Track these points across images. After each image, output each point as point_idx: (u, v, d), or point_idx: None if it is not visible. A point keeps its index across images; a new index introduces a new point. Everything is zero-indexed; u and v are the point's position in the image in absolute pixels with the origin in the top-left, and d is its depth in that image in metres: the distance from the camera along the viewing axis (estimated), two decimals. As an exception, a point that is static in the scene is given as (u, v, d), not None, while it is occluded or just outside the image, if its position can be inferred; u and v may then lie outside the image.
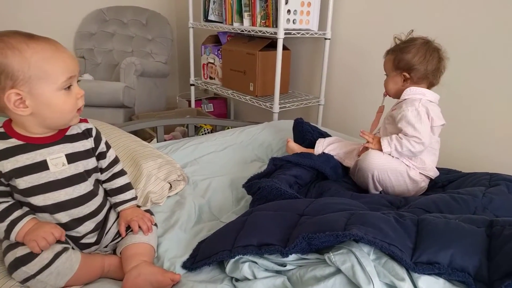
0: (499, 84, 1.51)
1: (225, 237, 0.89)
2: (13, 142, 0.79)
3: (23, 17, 2.79)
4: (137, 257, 0.86)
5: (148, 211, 1.02)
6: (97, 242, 0.91)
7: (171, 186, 1.23)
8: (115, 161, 0.97)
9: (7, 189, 0.81)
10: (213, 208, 1.18)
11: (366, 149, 1.25)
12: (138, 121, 1.72)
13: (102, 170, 0.94)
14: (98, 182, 0.93)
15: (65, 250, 0.80)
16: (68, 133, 0.86)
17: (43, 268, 0.76)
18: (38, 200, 0.81)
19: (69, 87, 0.79)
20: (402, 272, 0.69)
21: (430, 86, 1.24)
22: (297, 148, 1.46)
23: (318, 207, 0.89)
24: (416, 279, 0.69)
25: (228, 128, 1.88)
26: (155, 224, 0.99)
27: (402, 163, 1.20)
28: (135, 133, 2.53)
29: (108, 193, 0.97)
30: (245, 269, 0.81)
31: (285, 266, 0.80)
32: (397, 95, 1.26)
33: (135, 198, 0.99)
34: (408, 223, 0.79)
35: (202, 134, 2.27)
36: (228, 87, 2.46)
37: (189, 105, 2.88)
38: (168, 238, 1.00)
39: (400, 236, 0.75)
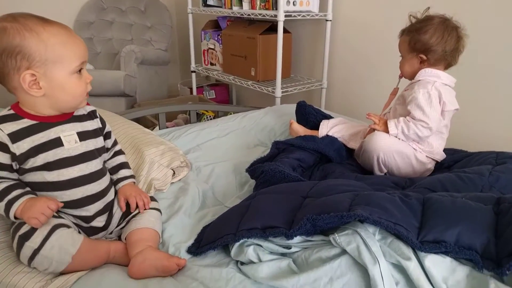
0: (508, 61, 1.48)
1: (229, 221, 0.88)
2: (26, 122, 0.81)
3: (21, 6, 2.75)
4: (142, 242, 0.86)
5: (151, 198, 1.02)
6: (105, 227, 0.92)
7: (174, 173, 1.23)
8: (116, 141, 1.03)
9: (13, 176, 0.82)
10: (217, 193, 1.17)
11: (372, 131, 1.23)
12: (139, 109, 1.71)
13: (107, 150, 0.98)
14: (105, 163, 0.96)
15: (65, 225, 0.81)
16: (75, 114, 0.89)
17: (44, 239, 0.76)
18: (53, 175, 0.83)
19: (80, 72, 0.82)
20: (408, 251, 0.68)
21: (447, 66, 1.19)
22: (301, 129, 1.44)
23: (322, 189, 0.88)
24: (422, 258, 0.68)
25: (231, 114, 1.87)
26: (159, 210, 0.99)
27: (409, 145, 1.18)
28: (138, 121, 2.52)
29: (110, 172, 0.99)
30: (250, 252, 0.80)
31: (290, 248, 0.79)
32: (414, 76, 1.21)
33: (133, 176, 1.03)
34: (414, 202, 0.78)
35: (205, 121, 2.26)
36: (229, 73, 2.43)
37: (191, 92, 2.86)
38: (173, 223, 1.00)
39: (405, 215, 0.74)
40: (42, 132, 0.81)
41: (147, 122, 2.38)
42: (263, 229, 0.81)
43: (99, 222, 0.91)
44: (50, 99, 0.80)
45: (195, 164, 1.32)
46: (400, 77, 1.29)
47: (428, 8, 1.20)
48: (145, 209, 0.96)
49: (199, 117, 2.43)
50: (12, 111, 0.82)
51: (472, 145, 1.37)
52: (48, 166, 0.82)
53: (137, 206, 0.95)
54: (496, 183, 0.97)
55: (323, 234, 0.78)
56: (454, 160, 1.24)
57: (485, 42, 1.52)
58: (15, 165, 0.81)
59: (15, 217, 0.79)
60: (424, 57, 1.17)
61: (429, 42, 1.14)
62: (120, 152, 1.02)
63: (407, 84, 1.27)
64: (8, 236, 0.85)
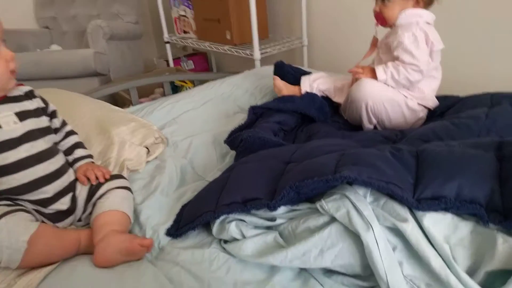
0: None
1: (208, 198, 0.81)
2: None
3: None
4: (105, 227, 0.79)
5: (119, 175, 0.94)
6: (71, 210, 0.85)
7: (149, 151, 1.14)
8: (64, 122, 0.97)
9: None
10: (196, 168, 1.09)
11: (356, 81, 1.13)
12: (106, 86, 1.58)
13: (56, 130, 0.92)
14: (55, 144, 0.90)
15: (20, 211, 0.75)
16: (9, 95, 0.82)
17: None
18: None
19: None
20: (404, 212, 0.61)
21: (430, 4, 1.10)
22: (283, 85, 1.34)
23: (306, 152, 0.80)
24: (420, 218, 0.61)
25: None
26: (128, 188, 0.92)
27: (399, 92, 1.10)
28: (114, 101, 2.41)
29: (64, 153, 0.93)
30: (232, 229, 0.73)
31: (275, 220, 0.72)
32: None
33: (91, 156, 0.97)
34: (407, 156, 0.70)
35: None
36: (204, 39, 2.29)
37: (168, 65, 2.72)
38: (149, 205, 0.92)
39: (398, 172, 0.66)
40: None
41: (124, 101, 2.26)
42: (244, 202, 0.73)
43: (62, 204, 0.84)
44: None
45: (172, 139, 1.22)
46: (377, 25, 1.18)
47: None
48: (105, 179, 0.90)
49: (178, 90, 2.31)
50: None
51: (463, 89, 1.29)
52: None
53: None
54: (494, 126, 0.90)
55: (310, 201, 0.71)
56: (446, 106, 1.15)
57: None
58: None
59: None
60: None
61: None
62: (72, 133, 0.97)
63: (387, 31, 1.17)
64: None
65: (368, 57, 1.23)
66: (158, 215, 0.89)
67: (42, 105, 0.89)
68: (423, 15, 1.07)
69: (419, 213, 0.61)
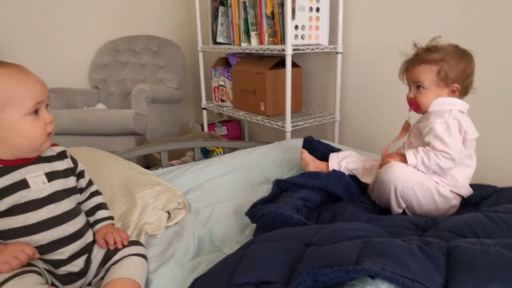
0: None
1: (220, 274, 0.77)
2: None
3: (44, 52, 2.83)
4: None
5: (136, 242, 0.92)
6: (82, 273, 0.83)
7: (170, 216, 1.13)
8: (91, 181, 0.97)
9: None
10: (215, 238, 1.06)
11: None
12: (139, 147, 1.63)
13: (81, 190, 0.92)
14: (79, 204, 0.90)
15: (32, 272, 0.74)
16: (42, 155, 0.84)
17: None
18: (18, 221, 0.77)
19: (36, 113, 0.78)
20: (431, 316, 0.55)
21: (465, 94, 1.11)
22: (310, 160, 1.34)
23: (328, 235, 0.76)
24: (450, 325, 0.54)
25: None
26: (143, 256, 0.89)
27: (430, 178, 1.06)
28: (147, 160, 2.48)
29: (86, 214, 0.93)
30: (243, 312, 0.68)
31: (289, 307, 0.67)
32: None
33: (112, 218, 0.96)
34: (436, 251, 0.64)
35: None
36: (239, 109, 2.38)
37: (202, 129, 2.82)
38: (161, 274, 0.89)
39: (426, 269, 0.60)
40: (5, 176, 0.76)
41: (155, 161, 2.33)
42: (257, 284, 0.69)
43: (75, 266, 0.82)
44: (5, 144, 0.76)
45: (194, 206, 1.21)
46: (410, 110, 1.18)
47: (439, 36, 1.11)
48: (123, 245, 0.88)
49: (209, 155, 2.36)
50: None
51: (500, 179, 1.22)
52: (14, 211, 0.76)
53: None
54: (535, 224, 0.83)
55: (328, 291, 0.66)
56: (481, 197, 1.09)
57: (499, 64, 1.41)
58: None
59: None
60: (459, 87, 1.08)
61: (465, 71, 1.07)
62: (96, 193, 0.97)
63: (419, 116, 1.16)
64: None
65: (398, 140, 1.22)
66: (169, 286, 0.86)
67: (71, 165, 0.90)
68: (457, 104, 1.07)
69: (448, 320, 0.55)
